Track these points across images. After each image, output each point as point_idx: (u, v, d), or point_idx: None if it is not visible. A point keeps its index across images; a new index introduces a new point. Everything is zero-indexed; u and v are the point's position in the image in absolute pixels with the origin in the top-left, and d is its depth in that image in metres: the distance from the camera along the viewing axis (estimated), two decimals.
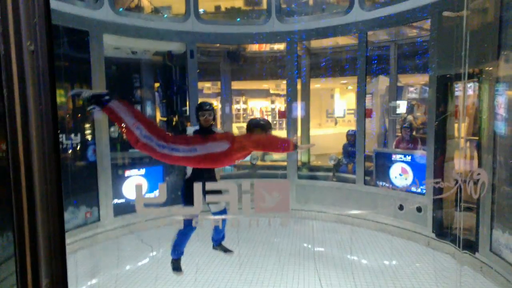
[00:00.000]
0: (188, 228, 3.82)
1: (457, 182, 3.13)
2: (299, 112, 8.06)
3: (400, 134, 7.80)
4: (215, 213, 4.02)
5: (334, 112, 13.78)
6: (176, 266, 4.26)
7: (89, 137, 6.07)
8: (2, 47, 1.27)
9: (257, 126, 3.71)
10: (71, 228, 5.66)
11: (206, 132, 3.96)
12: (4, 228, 1.45)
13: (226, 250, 4.48)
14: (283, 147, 3.56)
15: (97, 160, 5.98)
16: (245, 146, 3.37)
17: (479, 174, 3.01)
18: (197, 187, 1.82)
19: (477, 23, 4.82)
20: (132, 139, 3.23)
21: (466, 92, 5.01)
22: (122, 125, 3.25)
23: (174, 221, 3.92)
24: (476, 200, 4.55)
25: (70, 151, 5.84)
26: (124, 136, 3.53)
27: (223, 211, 4.03)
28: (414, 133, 7.19)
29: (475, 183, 2.99)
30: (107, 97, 3.29)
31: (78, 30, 5.60)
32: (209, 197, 2.10)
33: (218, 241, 4.47)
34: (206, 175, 4.03)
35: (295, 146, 3.70)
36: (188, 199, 3.23)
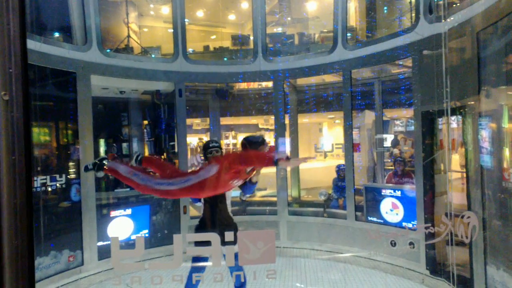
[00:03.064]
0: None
1: (447, 226, 3.09)
2: (287, 146, 8.08)
3: (389, 168, 7.81)
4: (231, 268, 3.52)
5: (322, 146, 13.91)
6: None
7: (73, 176, 5.93)
8: None
9: (251, 144, 3.48)
10: (53, 274, 5.40)
11: None
12: None
13: None
14: (267, 162, 3.26)
15: (81, 200, 5.82)
16: (231, 164, 3.27)
17: (469, 217, 2.97)
18: (177, 239, 1.73)
19: (457, 61, 5.00)
20: (133, 186, 3.67)
21: (449, 126, 5.10)
22: (123, 177, 3.75)
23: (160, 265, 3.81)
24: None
25: (53, 192, 5.67)
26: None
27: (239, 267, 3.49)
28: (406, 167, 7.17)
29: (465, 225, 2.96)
30: (104, 161, 3.94)
31: (65, 71, 5.63)
32: (191, 250, 2.00)
33: None
34: (217, 215, 4.01)
35: (275, 162, 3.11)
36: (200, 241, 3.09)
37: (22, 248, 1.30)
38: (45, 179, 5.38)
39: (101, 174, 3.99)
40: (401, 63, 6.95)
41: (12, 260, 1.28)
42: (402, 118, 11.37)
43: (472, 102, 4.60)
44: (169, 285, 4.18)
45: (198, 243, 3.03)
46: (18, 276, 1.30)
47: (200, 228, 4.12)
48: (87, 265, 5.78)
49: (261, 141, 3.52)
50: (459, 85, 4.74)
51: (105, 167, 3.92)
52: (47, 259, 5.34)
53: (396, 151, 9.81)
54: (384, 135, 8.71)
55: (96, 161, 4.01)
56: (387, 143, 9.55)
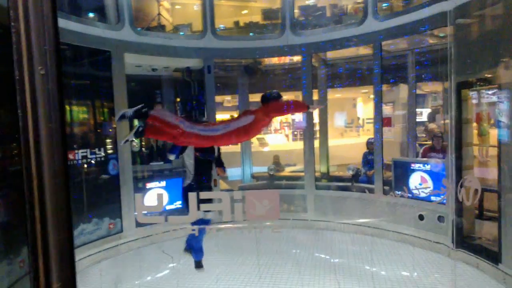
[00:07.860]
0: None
1: (447, 189, 3.09)
2: (317, 122, 8.08)
3: (423, 143, 7.61)
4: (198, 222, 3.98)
5: (352, 121, 13.62)
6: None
7: (110, 151, 6.29)
8: (17, 72, 1.42)
9: (272, 97, 4.13)
10: (95, 239, 5.86)
11: None
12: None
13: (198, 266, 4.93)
14: (296, 108, 4.54)
15: (119, 174, 6.20)
16: (267, 114, 3.96)
17: (470, 181, 2.96)
18: (192, 197, 1.92)
19: (495, 28, 4.74)
20: (177, 134, 3.72)
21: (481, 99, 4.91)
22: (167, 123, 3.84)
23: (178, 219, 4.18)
24: (498, 209, 4.42)
25: (93, 165, 6.07)
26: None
27: (207, 221, 4.36)
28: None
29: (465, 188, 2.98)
30: (145, 109, 3.88)
31: (100, 50, 5.91)
32: (203, 206, 2.24)
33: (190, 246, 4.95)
34: (203, 183, 4.68)
35: (307, 106, 4.70)
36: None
37: (61, 204, 1.50)
38: (86, 152, 5.77)
39: (139, 131, 3.79)
40: (442, 34, 6.63)
41: (53, 212, 1.49)
42: (439, 92, 10.91)
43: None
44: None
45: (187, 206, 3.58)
46: (59, 229, 1.51)
47: (185, 194, 4.34)
48: (126, 232, 6.21)
49: (278, 95, 4.15)
50: (496, 54, 4.51)
51: (149, 114, 3.77)
52: (90, 225, 5.81)
53: (432, 125, 9.49)
54: (418, 110, 8.45)
55: (136, 110, 3.79)
56: (422, 118, 9.24)
